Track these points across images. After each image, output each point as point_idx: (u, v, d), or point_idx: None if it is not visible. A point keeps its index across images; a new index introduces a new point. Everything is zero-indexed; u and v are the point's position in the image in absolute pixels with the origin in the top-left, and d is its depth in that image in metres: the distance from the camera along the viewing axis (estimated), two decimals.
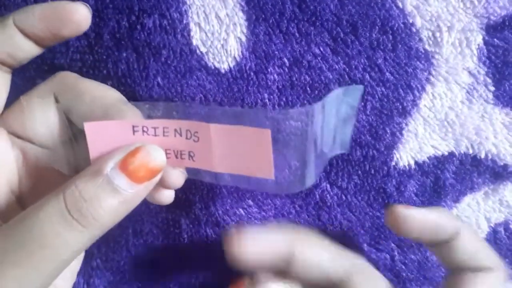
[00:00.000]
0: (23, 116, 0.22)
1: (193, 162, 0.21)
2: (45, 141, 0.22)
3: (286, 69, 0.26)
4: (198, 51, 0.26)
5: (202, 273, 0.31)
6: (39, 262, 0.18)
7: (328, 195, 0.29)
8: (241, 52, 0.26)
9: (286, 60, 0.26)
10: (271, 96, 0.27)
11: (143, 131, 0.20)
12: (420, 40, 0.26)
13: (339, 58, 0.26)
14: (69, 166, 0.23)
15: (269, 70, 0.26)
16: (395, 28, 0.26)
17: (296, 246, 0.22)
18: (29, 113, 0.22)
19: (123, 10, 0.25)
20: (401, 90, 0.27)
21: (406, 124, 0.28)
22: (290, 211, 0.29)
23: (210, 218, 0.29)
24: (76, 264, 0.26)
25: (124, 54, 0.26)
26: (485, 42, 0.26)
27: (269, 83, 0.27)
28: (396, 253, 0.31)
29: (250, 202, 0.29)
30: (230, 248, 0.21)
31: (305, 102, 0.27)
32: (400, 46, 0.26)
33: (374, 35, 0.26)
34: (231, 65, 0.26)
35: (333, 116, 0.24)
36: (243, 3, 0.25)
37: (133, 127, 0.20)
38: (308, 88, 0.27)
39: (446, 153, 0.28)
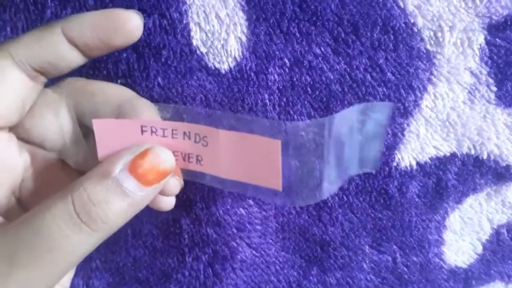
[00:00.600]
0: (34, 121, 0.22)
1: (201, 166, 0.21)
2: (55, 144, 0.22)
3: (287, 70, 0.26)
4: (198, 51, 0.26)
5: (203, 274, 0.31)
6: (47, 265, 0.18)
7: (329, 196, 0.29)
8: (242, 52, 0.26)
9: (286, 60, 0.26)
10: (272, 97, 0.27)
11: (152, 131, 0.20)
12: (422, 40, 0.26)
13: (340, 58, 0.26)
14: (77, 165, 0.23)
15: (269, 70, 0.26)
16: (396, 28, 0.26)
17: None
18: (40, 118, 0.22)
19: None
20: (402, 90, 0.27)
21: (408, 125, 0.27)
22: (290, 211, 0.29)
23: (210, 217, 0.29)
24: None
25: (124, 55, 0.26)
26: (487, 42, 0.26)
27: (270, 84, 0.26)
28: (398, 255, 0.31)
29: (251, 202, 0.29)
30: None
31: (306, 102, 0.27)
32: (401, 46, 0.26)
33: (375, 35, 0.26)
34: (231, 66, 0.26)
35: (356, 133, 0.24)
36: (243, 3, 0.25)
37: (142, 127, 0.20)
38: (309, 89, 0.26)
39: (448, 154, 0.28)
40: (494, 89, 0.27)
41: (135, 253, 0.30)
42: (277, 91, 0.27)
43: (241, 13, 0.25)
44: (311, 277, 0.31)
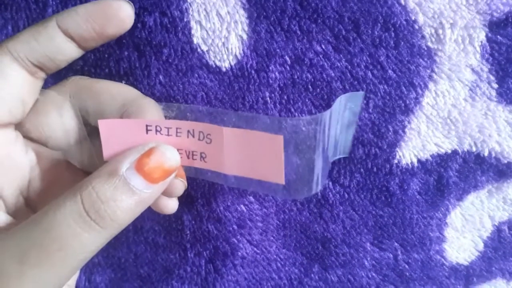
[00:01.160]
0: (37, 120, 0.22)
1: (205, 163, 0.21)
2: (60, 143, 0.22)
3: (288, 67, 0.26)
4: (199, 49, 0.26)
5: (204, 270, 0.31)
6: (58, 263, 0.18)
7: (330, 193, 0.29)
8: (242, 50, 0.26)
9: (287, 58, 0.26)
10: (273, 94, 0.27)
11: (157, 130, 0.20)
12: (423, 37, 0.26)
13: (341, 55, 0.26)
14: (82, 165, 0.23)
15: (270, 68, 0.26)
16: (397, 25, 0.25)
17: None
18: (44, 117, 0.22)
19: None
20: (403, 87, 0.27)
21: (409, 122, 0.27)
22: (291, 208, 0.29)
23: (211, 214, 0.29)
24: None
25: (126, 53, 0.26)
26: (488, 39, 0.26)
27: (271, 82, 0.26)
28: (399, 252, 0.31)
29: (252, 199, 0.29)
30: None
31: (307, 100, 0.27)
32: (402, 43, 0.26)
33: (376, 33, 0.26)
34: (232, 64, 0.26)
35: (336, 123, 0.24)
36: (244, 1, 0.25)
37: (147, 126, 0.20)
38: (309, 86, 0.26)
39: (449, 151, 0.28)
40: (495, 86, 0.27)
41: (136, 249, 0.30)
42: (278, 88, 0.27)
43: (242, 11, 0.25)
44: (312, 274, 0.31)
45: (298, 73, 0.26)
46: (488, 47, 0.26)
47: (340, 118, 0.25)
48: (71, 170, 0.23)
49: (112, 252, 0.30)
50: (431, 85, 0.27)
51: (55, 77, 0.26)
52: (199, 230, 0.30)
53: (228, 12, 0.25)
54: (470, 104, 0.27)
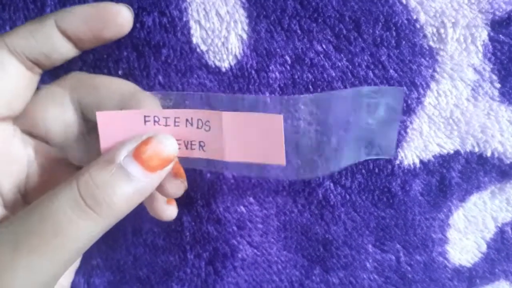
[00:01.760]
0: (36, 115, 0.22)
1: (203, 153, 0.21)
2: (59, 139, 0.22)
3: (288, 67, 0.26)
4: (198, 49, 0.26)
5: (204, 271, 0.31)
6: (53, 251, 0.18)
7: (331, 194, 0.29)
8: (242, 50, 0.26)
9: (288, 58, 0.26)
10: (273, 95, 0.26)
11: (154, 121, 0.20)
12: (424, 36, 0.26)
13: (342, 55, 0.26)
14: (81, 161, 0.23)
15: (270, 68, 0.26)
16: (398, 25, 0.25)
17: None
18: (42, 110, 0.22)
19: None
20: (405, 87, 0.26)
21: (411, 122, 0.27)
22: (292, 209, 0.29)
23: (211, 215, 0.29)
24: (76, 263, 0.26)
25: (125, 53, 0.26)
26: (490, 38, 0.25)
27: (271, 82, 0.26)
28: (401, 254, 0.31)
29: (251, 200, 0.29)
30: None
31: None
32: (404, 42, 0.26)
33: (377, 32, 0.25)
34: (232, 63, 0.26)
35: (366, 116, 0.24)
36: (244, 0, 0.25)
37: (145, 117, 0.20)
38: (310, 86, 0.26)
39: (451, 152, 0.28)
40: (498, 85, 0.26)
41: (135, 251, 0.30)
42: (278, 89, 0.26)
43: (241, 10, 0.25)
44: (313, 277, 0.31)
45: (298, 73, 0.26)
46: (491, 46, 0.26)
47: (372, 112, 0.24)
48: (70, 167, 0.23)
49: (111, 255, 0.30)
50: (433, 84, 0.26)
51: (53, 76, 0.25)
52: (198, 232, 0.30)
53: (228, 12, 0.25)
54: (472, 104, 0.27)
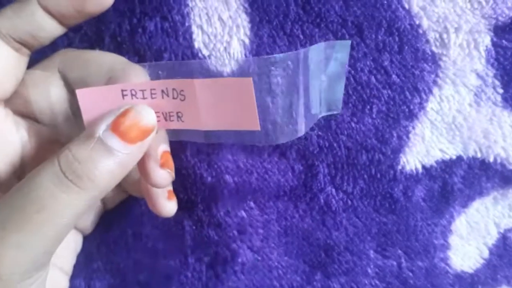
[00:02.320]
0: (27, 93, 0.22)
1: (182, 123, 0.21)
2: (49, 118, 0.23)
3: (290, 72, 0.26)
4: (200, 54, 0.26)
5: (205, 275, 0.30)
6: (38, 226, 0.18)
7: (333, 200, 0.29)
8: (244, 55, 0.26)
9: (290, 63, 0.26)
10: (275, 99, 0.26)
11: (132, 94, 0.20)
12: (427, 41, 0.25)
13: None
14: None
15: (272, 73, 0.26)
16: (401, 30, 0.25)
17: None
18: (33, 88, 0.22)
19: (124, 13, 0.25)
20: (407, 92, 0.26)
21: (413, 128, 0.27)
22: (293, 215, 0.29)
23: (212, 219, 0.29)
24: (75, 246, 0.26)
25: (126, 57, 0.26)
26: (493, 44, 0.25)
27: (273, 87, 0.26)
28: (403, 260, 0.30)
29: (252, 204, 0.29)
30: None
31: None
32: (406, 48, 0.26)
33: (380, 37, 0.25)
34: (234, 68, 0.26)
35: (319, 74, 0.24)
36: (246, 5, 0.25)
37: (122, 91, 0.20)
38: None
39: (454, 157, 0.28)
40: (501, 91, 0.26)
41: (136, 254, 0.30)
42: (280, 94, 0.26)
43: (244, 15, 0.25)
44: (314, 282, 0.30)
45: None
46: (493, 52, 0.26)
47: (324, 68, 0.24)
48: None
49: (112, 258, 0.30)
50: (435, 90, 0.26)
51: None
52: (199, 236, 0.30)
53: (230, 17, 0.25)
54: (475, 109, 0.27)
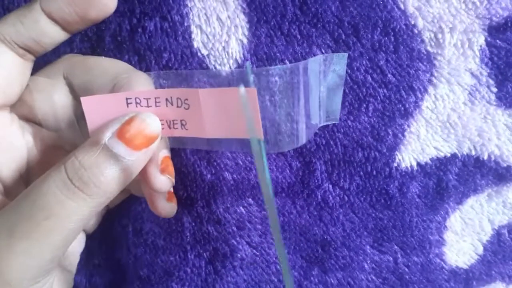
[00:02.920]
0: (31, 99, 0.22)
1: (186, 131, 0.21)
2: (53, 123, 0.23)
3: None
4: (199, 53, 0.26)
5: (204, 271, 0.31)
6: (45, 233, 0.18)
7: (330, 196, 0.29)
8: (243, 54, 0.26)
9: (288, 62, 0.26)
10: (273, 98, 0.27)
11: (136, 102, 0.21)
12: (422, 41, 0.26)
13: None
14: (75, 147, 0.23)
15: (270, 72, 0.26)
16: (396, 30, 0.26)
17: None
18: (37, 94, 0.22)
19: (124, 13, 0.25)
20: (403, 91, 0.27)
21: (408, 126, 0.27)
22: (291, 211, 0.29)
23: (211, 215, 0.29)
24: (79, 245, 0.26)
25: (126, 57, 0.26)
26: (488, 43, 0.26)
27: (271, 86, 0.26)
28: (399, 255, 0.31)
29: (251, 201, 0.29)
30: None
31: None
32: (402, 47, 0.26)
33: (375, 37, 0.26)
34: (233, 68, 0.26)
35: (318, 85, 0.24)
36: (244, 5, 0.25)
37: (127, 99, 0.20)
38: None
39: (448, 155, 0.28)
40: (495, 90, 0.27)
41: (136, 251, 0.31)
42: (278, 92, 0.27)
43: (242, 15, 0.25)
44: (312, 278, 0.31)
45: None
46: (488, 51, 0.26)
47: (323, 80, 0.25)
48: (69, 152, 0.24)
49: (112, 254, 0.31)
50: (430, 89, 0.27)
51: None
52: (199, 232, 0.30)
53: (229, 17, 0.25)
54: (469, 108, 0.27)
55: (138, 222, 0.30)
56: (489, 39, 0.26)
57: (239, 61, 0.26)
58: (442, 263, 0.31)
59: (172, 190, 0.25)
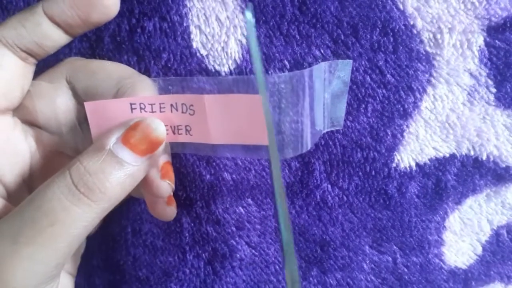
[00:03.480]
0: (33, 104, 0.22)
1: (190, 137, 0.21)
2: (55, 126, 0.23)
3: (287, 72, 0.26)
4: (198, 53, 0.26)
5: (203, 272, 0.31)
6: (50, 239, 0.18)
7: (329, 196, 0.29)
8: (242, 54, 0.26)
9: (287, 63, 0.26)
10: (272, 98, 0.27)
11: (141, 108, 0.20)
12: (421, 41, 0.26)
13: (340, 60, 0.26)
14: (77, 151, 0.23)
15: (269, 72, 0.26)
16: (396, 30, 0.26)
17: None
18: (39, 99, 0.22)
19: (124, 13, 0.25)
20: (402, 92, 0.27)
21: (407, 126, 0.28)
22: (290, 211, 0.29)
23: (210, 216, 0.29)
24: (80, 248, 0.26)
25: (125, 57, 0.26)
26: (486, 44, 0.26)
27: (270, 86, 0.26)
28: (398, 256, 0.31)
29: (250, 201, 0.29)
30: None
31: None
32: (401, 48, 0.26)
33: (375, 37, 0.26)
34: (232, 68, 0.26)
35: (323, 91, 0.24)
36: (243, 6, 0.25)
37: (131, 104, 0.20)
38: None
39: (447, 155, 0.28)
40: (494, 90, 0.27)
41: (135, 251, 0.31)
42: (277, 93, 0.27)
43: (241, 16, 0.25)
44: (311, 278, 0.31)
45: None
46: (487, 52, 0.26)
47: (328, 86, 0.25)
48: (72, 157, 0.23)
49: (111, 255, 0.31)
50: (429, 89, 0.27)
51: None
52: (198, 232, 0.30)
53: (228, 17, 0.25)
54: (468, 108, 0.27)
55: (137, 223, 0.30)
56: (488, 39, 0.26)
57: (238, 61, 0.26)
58: (441, 263, 0.31)
59: (171, 195, 0.25)
